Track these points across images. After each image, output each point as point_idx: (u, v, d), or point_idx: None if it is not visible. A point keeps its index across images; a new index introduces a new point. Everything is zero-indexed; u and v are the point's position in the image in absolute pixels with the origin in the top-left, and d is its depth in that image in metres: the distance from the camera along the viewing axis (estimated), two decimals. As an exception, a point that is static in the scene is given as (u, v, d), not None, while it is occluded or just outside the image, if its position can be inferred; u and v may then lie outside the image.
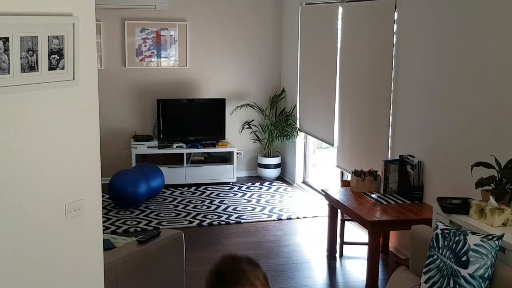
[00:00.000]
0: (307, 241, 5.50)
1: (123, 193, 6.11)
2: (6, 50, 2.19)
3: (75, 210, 2.57)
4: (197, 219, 5.95)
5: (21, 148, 2.35)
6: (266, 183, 7.27)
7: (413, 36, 4.78)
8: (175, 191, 6.85)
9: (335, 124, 6.19)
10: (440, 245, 3.10)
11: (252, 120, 7.58)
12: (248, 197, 6.72)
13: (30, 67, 2.29)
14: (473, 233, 3.04)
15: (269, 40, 7.57)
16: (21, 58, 2.25)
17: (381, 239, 4.54)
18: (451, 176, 4.32)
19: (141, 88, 7.25)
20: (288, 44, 7.42)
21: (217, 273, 1.32)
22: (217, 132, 7.31)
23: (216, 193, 6.85)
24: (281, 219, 6.02)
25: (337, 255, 5.10)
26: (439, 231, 3.15)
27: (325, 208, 5.61)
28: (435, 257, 3.11)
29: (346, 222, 5.24)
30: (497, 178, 3.46)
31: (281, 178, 7.48)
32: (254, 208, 6.32)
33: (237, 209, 6.29)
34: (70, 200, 2.54)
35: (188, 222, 5.89)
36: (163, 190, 6.76)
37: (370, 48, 5.45)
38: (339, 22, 6.02)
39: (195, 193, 6.84)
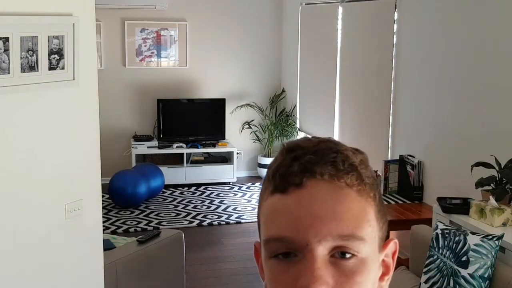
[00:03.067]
0: (307, 241, 5.49)
1: (123, 193, 6.10)
2: (6, 50, 2.19)
3: (75, 210, 2.57)
4: (197, 219, 5.95)
5: (21, 148, 2.35)
6: (266, 183, 7.27)
7: (413, 36, 4.78)
8: (175, 191, 6.85)
9: (335, 124, 6.19)
10: (440, 245, 3.10)
11: (252, 120, 7.58)
12: (248, 197, 6.72)
13: (30, 67, 2.29)
14: (473, 233, 3.04)
15: (269, 40, 7.57)
16: (21, 58, 2.25)
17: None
18: (451, 176, 4.32)
19: (141, 88, 7.25)
20: (288, 44, 7.42)
21: (286, 149, 0.74)
22: (217, 132, 7.31)
23: (216, 193, 6.85)
24: (281, 219, 6.01)
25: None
26: (439, 231, 3.15)
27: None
28: (435, 257, 3.11)
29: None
30: (497, 178, 3.46)
31: (281, 178, 7.47)
32: (254, 208, 6.31)
33: (237, 209, 6.29)
34: (70, 200, 2.54)
35: (188, 222, 5.88)
36: (163, 190, 6.76)
37: (370, 48, 5.45)
38: (339, 22, 6.02)
39: (195, 193, 6.83)
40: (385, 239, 0.76)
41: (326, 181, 0.69)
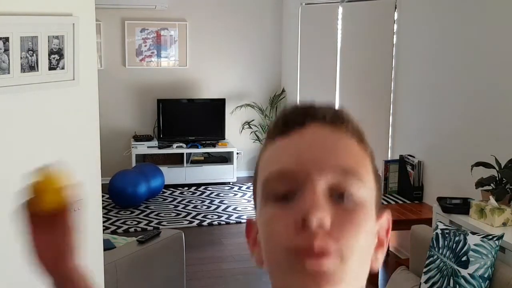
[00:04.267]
0: (307, 241, 5.49)
1: (123, 193, 6.10)
2: (6, 50, 2.19)
3: (75, 210, 2.56)
4: (197, 219, 5.95)
5: (20, 148, 2.35)
6: (266, 183, 7.26)
7: (413, 36, 4.78)
8: (175, 191, 6.85)
9: (335, 124, 6.19)
10: (440, 245, 3.10)
11: (252, 120, 7.58)
12: (248, 197, 6.72)
13: (30, 67, 2.29)
14: (473, 233, 3.04)
15: (269, 40, 7.57)
16: (21, 58, 2.25)
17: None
18: (451, 176, 4.32)
19: (141, 88, 7.25)
20: (288, 44, 7.42)
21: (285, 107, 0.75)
22: (217, 132, 7.31)
23: (216, 193, 6.85)
24: (281, 219, 6.01)
25: (337, 255, 5.09)
26: (439, 231, 3.15)
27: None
28: (435, 257, 3.11)
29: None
30: (497, 178, 3.46)
31: (281, 178, 7.46)
32: (254, 208, 6.30)
33: (237, 209, 6.29)
34: (70, 200, 2.54)
35: (188, 222, 5.88)
36: (163, 190, 6.76)
37: (370, 48, 5.45)
38: (339, 22, 6.02)
39: (195, 193, 6.83)
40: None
41: (328, 124, 0.69)
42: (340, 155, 0.67)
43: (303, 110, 0.71)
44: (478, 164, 3.55)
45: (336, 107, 0.73)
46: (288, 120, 0.71)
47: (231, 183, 7.20)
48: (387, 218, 0.74)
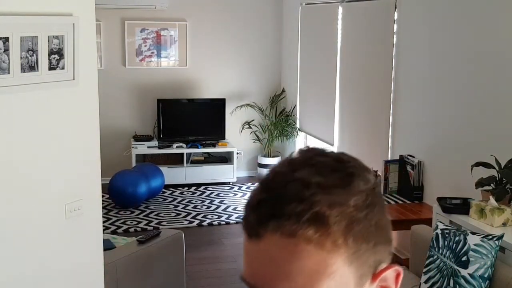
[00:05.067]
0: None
1: (123, 193, 6.10)
2: (6, 50, 2.19)
3: (75, 210, 2.57)
4: (197, 219, 5.95)
5: (21, 148, 2.35)
6: (266, 183, 7.26)
7: (413, 36, 4.78)
8: (175, 191, 6.85)
9: (335, 124, 6.19)
10: (440, 245, 3.10)
11: (252, 120, 7.57)
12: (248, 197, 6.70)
13: (30, 67, 2.29)
14: (473, 233, 3.04)
15: (269, 40, 7.57)
16: (21, 58, 2.25)
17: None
18: (451, 176, 4.32)
19: (141, 88, 7.25)
20: (288, 44, 7.42)
21: (259, 185, 0.73)
22: (217, 132, 7.31)
23: (216, 193, 6.85)
24: (281, 219, 6.01)
25: (337, 255, 5.09)
26: (439, 231, 3.15)
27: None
28: (435, 257, 3.11)
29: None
30: (497, 178, 3.46)
31: (281, 178, 7.46)
32: (254, 208, 6.31)
33: (237, 209, 6.29)
34: (70, 200, 2.54)
35: (188, 222, 5.88)
36: (163, 190, 6.76)
37: (370, 48, 5.45)
38: (339, 22, 6.02)
39: (195, 193, 6.83)
40: (389, 261, 0.72)
41: (280, 238, 0.67)
42: (291, 281, 0.67)
43: (257, 219, 0.69)
44: (478, 164, 3.55)
45: (295, 204, 0.66)
46: (247, 225, 0.72)
47: (231, 183, 7.20)
48: (393, 269, 0.71)
